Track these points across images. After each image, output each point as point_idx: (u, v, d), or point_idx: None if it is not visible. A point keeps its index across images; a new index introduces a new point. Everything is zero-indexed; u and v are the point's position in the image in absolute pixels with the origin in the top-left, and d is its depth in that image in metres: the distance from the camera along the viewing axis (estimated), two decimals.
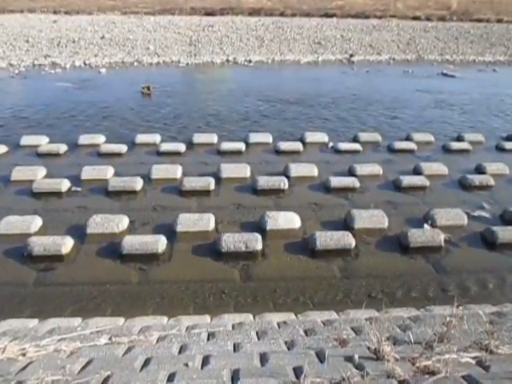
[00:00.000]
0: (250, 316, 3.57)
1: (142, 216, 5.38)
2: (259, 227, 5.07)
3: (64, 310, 3.77)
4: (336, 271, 4.42)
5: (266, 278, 4.28)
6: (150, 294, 4.03)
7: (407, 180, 6.33)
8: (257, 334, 2.98)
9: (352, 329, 3.03)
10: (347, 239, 4.73)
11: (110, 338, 2.87)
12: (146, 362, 2.41)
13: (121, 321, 3.49)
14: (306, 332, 3.03)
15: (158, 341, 2.84)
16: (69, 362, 2.42)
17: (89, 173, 6.43)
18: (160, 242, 4.63)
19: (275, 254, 4.66)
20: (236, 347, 2.66)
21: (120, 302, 3.91)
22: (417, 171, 6.80)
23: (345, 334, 2.87)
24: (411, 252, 4.72)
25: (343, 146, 7.86)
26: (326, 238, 4.69)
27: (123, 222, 5.08)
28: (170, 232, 4.96)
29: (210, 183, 6.11)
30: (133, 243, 4.56)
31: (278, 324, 3.25)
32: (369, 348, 2.48)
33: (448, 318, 2.63)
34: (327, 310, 3.71)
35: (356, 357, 2.32)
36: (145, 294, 4.01)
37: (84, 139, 7.94)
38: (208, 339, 2.87)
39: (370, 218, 5.15)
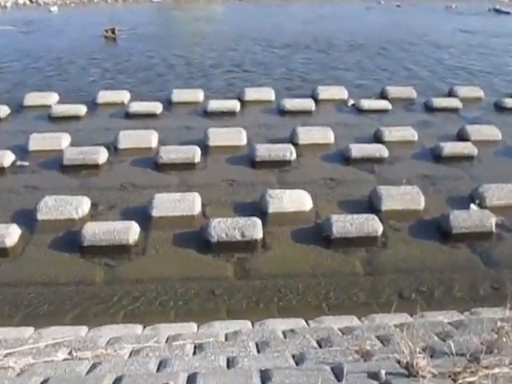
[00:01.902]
0: (248, 323, 3.58)
1: (108, 197, 5.40)
2: (259, 210, 5.08)
3: (11, 317, 3.77)
4: (358, 265, 4.42)
5: (267, 275, 4.28)
6: (120, 296, 4.02)
7: (449, 148, 6.35)
8: (256, 345, 2.98)
9: (378, 338, 3.05)
10: (372, 224, 4.71)
11: (69, 353, 2.87)
12: (116, 382, 2.40)
13: (83, 330, 3.50)
14: (319, 343, 3.03)
15: (130, 355, 2.86)
16: (19, 383, 2.44)
17: (38, 142, 6.43)
18: (131, 231, 4.61)
19: (279, 243, 4.66)
20: (230, 363, 2.65)
21: (82, 306, 3.92)
22: (462, 136, 6.82)
23: (368, 344, 2.87)
24: (454, 240, 4.74)
25: (367, 103, 7.88)
26: (345, 224, 4.68)
27: (83, 204, 5.10)
28: (144, 217, 4.96)
29: (195, 154, 6.09)
30: (96, 232, 4.56)
31: (284, 333, 3.25)
32: (399, 361, 2.48)
33: (499, 324, 2.66)
34: (346, 314, 3.74)
35: (383, 373, 2.33)
36: (113, 297, 4.01)
37: (31, 99, 7.92)
38: (194, 353, 2.86)
39: (402, 197, 5.18)
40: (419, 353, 2.42)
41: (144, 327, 3.56)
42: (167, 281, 4.20)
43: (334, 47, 10.80)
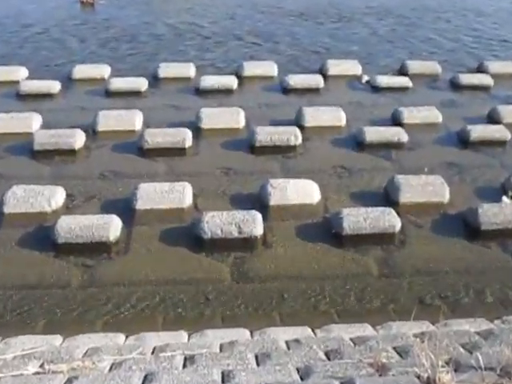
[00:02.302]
0: (246, 332, 3.59)
1: (85, 187, 5.39)
2: (259, 202, 5.09)
3: None
4: (372, 266, 4.43)
5: (268, 277, 4.29)
6: (99, 301, 4.03)
7: (478, 131, 6.35)
8: (256, 357, 2.98)
9: (395, 349, 3.05)
10: (389, 219, 4.71)
11: (41, 365, 2.87)
12: None
13: (57, 340, 3.50)
14: (327, 354, 3.03)
15: (111, 368, 2.85)
16: None
17: (4, 124, 6.41)
18: (112, 226, 4.62)
19: (282, 241, 4.66)
20: (225, 377, 2.64)
21: (55, 313, 3.91)
22: (493, 118, 6.82)
23: (384, 356, 2.88)
24: (483, 237, 4.75)
25: (384, 80, 7.88)
26: (358, 218, 4.68)
27: (57, 195, 5.09)
28: (127, 211, 4.96)
29: (185, 138, 6.08)
30: (72, 228, 4.55)
31: (288, 343, 3.26)
32: (419, 376, 2.50)
33: None
34: (359, 322, 3.74)
35: None
36: (91, 302, 4.02)
37: None
38: (184, 366, 2.86)
39: (423, 188, 5.18)
40: (442, 366, 2.43)
41: (127, 336, 3.55)
42: (153, 283, 4.21)
43: (348, 15, 10.73)
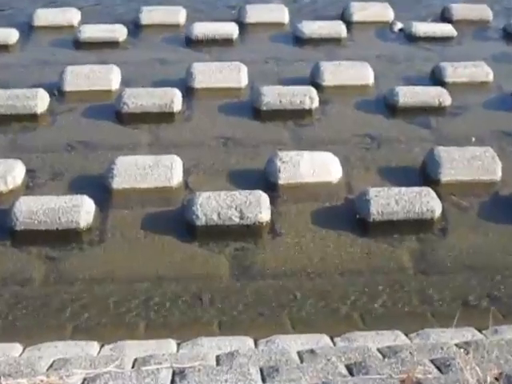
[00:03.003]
0: (249, 341, 3.60)
1: (50, 161, 5.40)
2: (265, 180, 5.09)
3: None
4: (406, 260, 4.43)
5: (277, 273, 4.29)
6: (68, 301, 4.03)
7: None
8: (261, 371, 2.94)
9: (433, 362, 3.01)
10: (427, 202, 4.70)
11: None
12: None
13: (16, 349, 3.50)
14: (349, 368, 3.00)
15: None
16: None
17: None
18: (83, 209, 4.61)
19: (294, 229, 4.66)
20: None
21: (13, 316, 3.91)
22: None
23: (420, 371, 2.85)
24: None
25: (422, 28, 7.86)
26: (389, 201, 4.68)
27: (15, 171, 5.10)
28: (102, 190, 4.98)
29: (174, 100, 6.08)
30: (34, 211, 4.54)
31: (300, 354, 3.25)
32: None
33: None
34: (388, 329, 3.74)
35: None
36: (57, 303, 4.02)
37: None
38: (173, 382, 2.84)
39: (470, 164, 5.17)
40: (491, 383, 2.45)
41: (101, 345, 3.56)
42: (134, 281, 4.21)
43: None
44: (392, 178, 5.20)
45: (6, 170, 5.05)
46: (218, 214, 4.58)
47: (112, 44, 7.50)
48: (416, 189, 4.81)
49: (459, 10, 8.33)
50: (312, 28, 7.71)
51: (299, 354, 3.25)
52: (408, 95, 6.22)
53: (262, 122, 6.05)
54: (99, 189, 4.99)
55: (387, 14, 8.19)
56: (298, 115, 6.07)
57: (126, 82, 6.56)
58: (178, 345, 3.56)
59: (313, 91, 6.21)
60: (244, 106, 6.26)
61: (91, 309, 4.00)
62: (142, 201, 4.92)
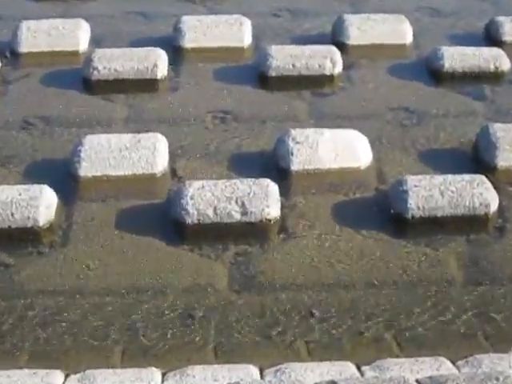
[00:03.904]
0: (254, 370, 3.33)
1: (2, 141, 5.15)
2: (274, 166, 4.82)
3: None
4: (453, 266, 4.09)
5: (287, 285, 3.99)
6: (24, 318, 3.75)
7: None
8: None
9: None
10: (480, 193, 4.36)
11: None
12: None
13: None
14: None
15: None
16: None
17: None
18: (42, 203, 4.32)
19: (311, 228, 4.34)
20: None
21: None
22: None
23: None
24: None
25: None
26: (432, 192, 4.34)
27: None
28: (67, 178, 4.73)
29: (157, 63, 5.78)
30: None
31: None
32: None
33: None
34: (430, 355, 3.42)
35: None
36: (12, 320, 3.74)
37: None
38: None
39: None
40: None
41: (67, 375, 3.31)
42: (108, 293, 3.93)
43: None
44: (435, 163, 4.90)
45: None
46: (214, 209, 4.28)
47: None
48: (466, 177, 4.47)
49: None
50: None
51: None
52: (455, 57, 5.91)
53: (269, 92, 5.78)
54: (63, 177, 4.75)
55: None
56: (317, 83, 5.76)
57: (96, 42, 6.31)
58: (163, 375, 3.33)
59: (335, 52, 5.86)
60: (247, 70, 6.00)
61: (54, 328, 3.68)
62: (116, 192, 4.65)
